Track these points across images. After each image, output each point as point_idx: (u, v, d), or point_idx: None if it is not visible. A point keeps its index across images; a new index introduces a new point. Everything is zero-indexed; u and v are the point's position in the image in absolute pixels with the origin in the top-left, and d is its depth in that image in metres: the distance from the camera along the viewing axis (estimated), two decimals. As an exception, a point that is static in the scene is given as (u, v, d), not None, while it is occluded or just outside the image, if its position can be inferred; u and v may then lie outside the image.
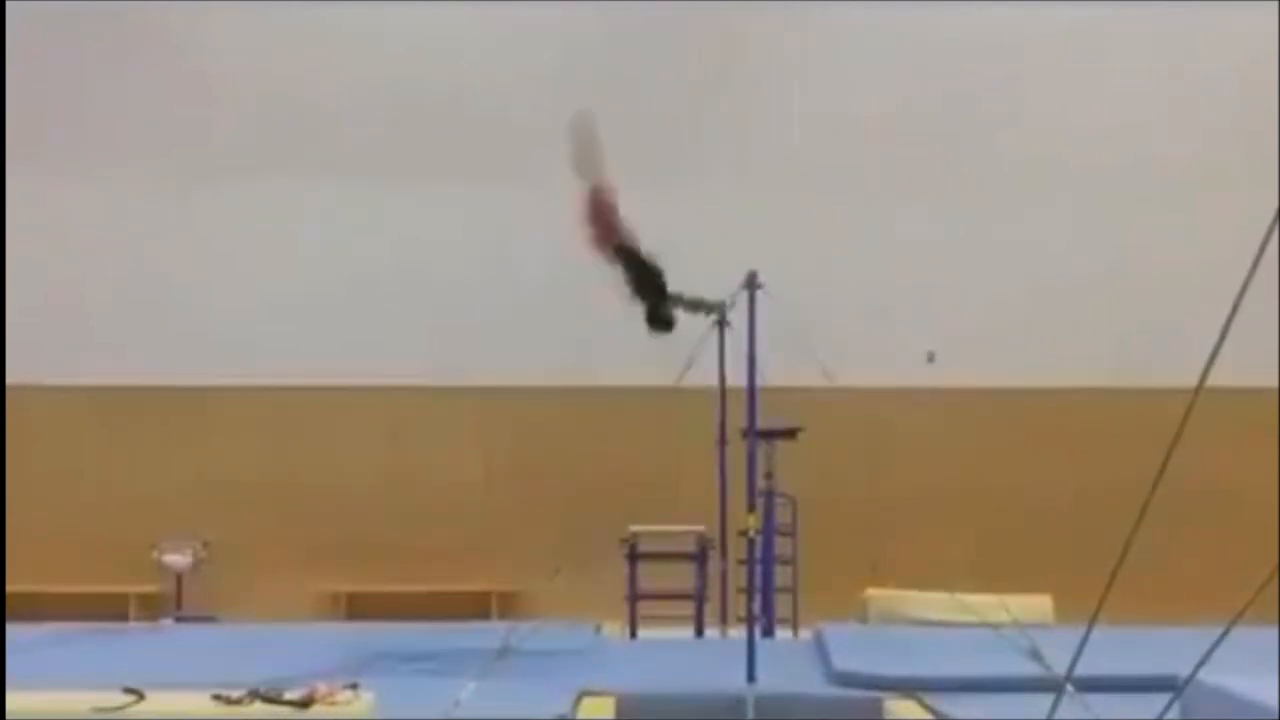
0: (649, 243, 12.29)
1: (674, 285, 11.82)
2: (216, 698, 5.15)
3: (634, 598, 10.36)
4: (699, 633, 10.30)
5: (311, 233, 12.80)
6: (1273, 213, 3.27)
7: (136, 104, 12.64)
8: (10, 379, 11.94)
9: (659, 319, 7.84)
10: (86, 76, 12.60)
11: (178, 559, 12.15)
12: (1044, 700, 4.23)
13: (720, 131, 12.80)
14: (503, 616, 11.74)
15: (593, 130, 7.92)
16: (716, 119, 12.80)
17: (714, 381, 9.88)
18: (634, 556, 10.42)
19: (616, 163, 12.76)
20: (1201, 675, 4.04)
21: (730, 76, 12.85)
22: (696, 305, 8.20)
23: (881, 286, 12.65)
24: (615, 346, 12.23)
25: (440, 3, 12.67)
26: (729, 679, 6.56)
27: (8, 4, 11.22)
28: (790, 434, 10.09)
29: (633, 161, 12.64)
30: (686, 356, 8.69)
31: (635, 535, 10.45)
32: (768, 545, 9.79)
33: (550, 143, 12.60)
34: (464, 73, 12.71)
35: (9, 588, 10.08)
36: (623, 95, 12.72)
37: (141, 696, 5.13)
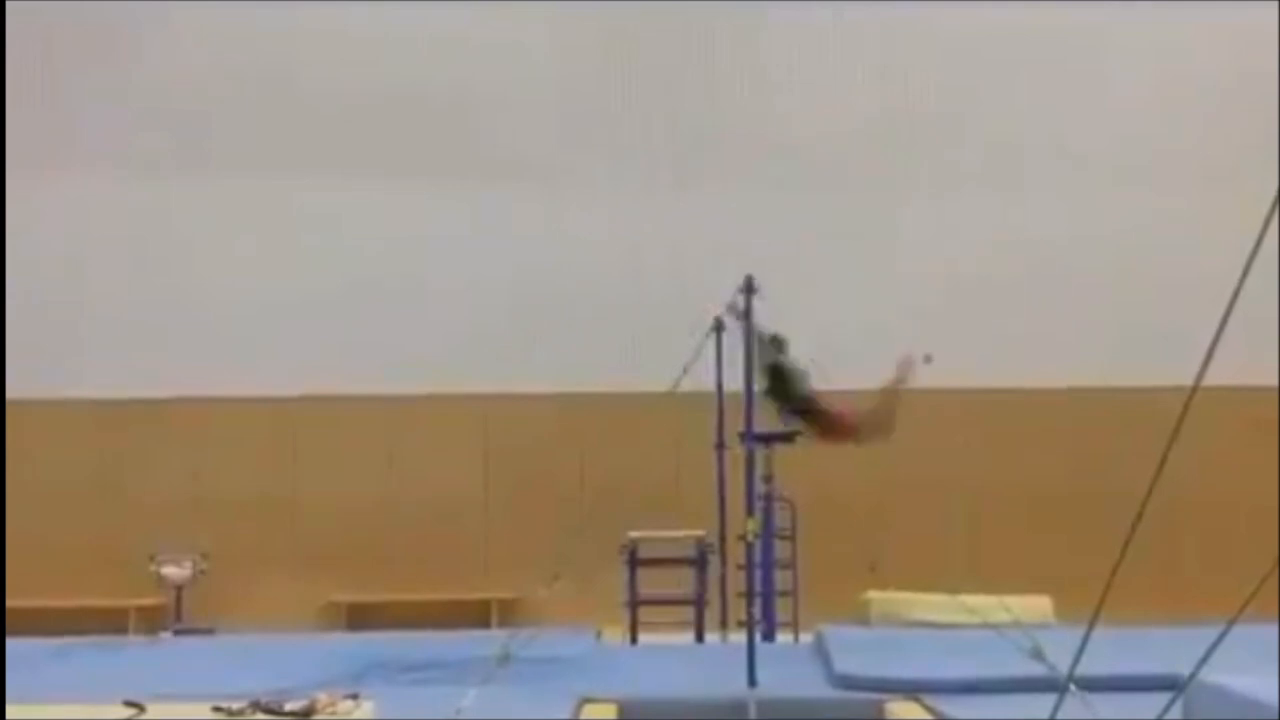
0: (645, 245, 12.32)
1: (672, 288, 11.95)
2: (217, 709, 5.15)
3: (634, 603, 10.35)
4: (699, 637, 10.28)
5: (310, 236, 12.79)
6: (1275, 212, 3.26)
7: (133, 104, 12.63)
8: (9, 393, 11.91)
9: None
10: (82, 77, 12.59)
11: (177, 571, 12.12)
12: (1045, 701, 4.21)
13: (717, 133, 12.80)
14: (503, 624, 11.71)
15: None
16: (713, 120, 12.80)
17: (711, 386, 9.88)
18: (634, 562, 10.41)
19: (615, 163, 12.86)
20: (1203, 673, 4.03)
21: (727, 77, 12.85)
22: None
23: (879, 288, 12.65)
24: (612, 352, 12.29)
25: (440, 2, 12.63)
26: (730, 683, 6.56)
27: (7, 3, 11.25)
28: (788, 437, 10.06)
29: (630, 162, 12.81)
30: (684, 361, 8.67)
31: (635, 541, 10.44)
32: (767, 549, 9.78)
33: (549, 145, 12.75)
34: (464, 73, 12.71)
35: (9, 602, 10.05)
36: (621, 96, 12.75)
37: (142, 709, 5.13)
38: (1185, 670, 4.09)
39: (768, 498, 9.91)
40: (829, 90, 12.74)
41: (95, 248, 12.72)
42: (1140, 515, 3.52)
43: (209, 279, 12.74)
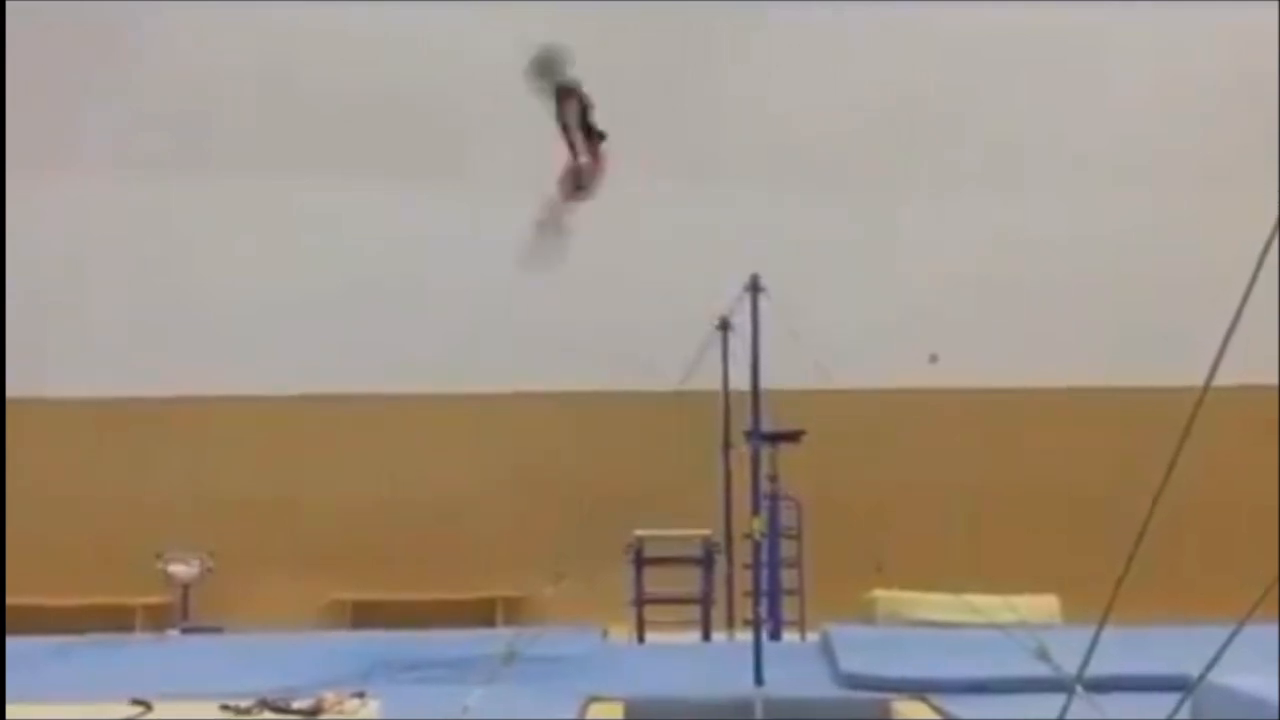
0: (649, 243, 12.29)
1: (672, 288, 11.94)
2: (225, 708, 5.14)
3: (640, 602, 10.37)
4: (706, 636, 10.32)
5: (310, 236, 12.78)
6: (1273, 212, 3.28)
7: (133, 104, 12.62)
8: (11, 391, 11.92)
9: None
10: (82, 77, 12.57)
11: (183, 569, 12.14)
12: (1052, 701, 4.23)
13: (717, 133, 12.80)
14: (508, 623, 11.71)
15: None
16: (714, 119, 12.80)
17: (717, 385, 9.90)
18: (640, 561, 10.43)
19: (615, 163, 12.82)
20: (1210, 674, 4.04)
21: (727, 77, 12.85)
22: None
23: (883, 287, 12.66)
24: (613, 351, 12.29)
25: (440, 1, 12.61)
26: (736, 682, 6.58)
27: (8, 3, 11.25)
28: (794, 436, 10.11)
29: (630, 162, 12.78)
30: (689, 360, 8.70)
31: (641, 540, 10.46)
32: (773, 548, 9.82)
33: (549, 144, 12.72)
34: (464, 73, 12.69)
35: (13, 600, 10.07)
36: (620, 94, 12.72)
37: (149, 708, 5.12)
38: (1191, 670, 4.11)
39: (773, 497, 9.95)
40: (829, 90, 12.73)
41: (95, 248, 12.71)
42: (1149, 517, 3.54)
43: (209, 279, 12.74)
